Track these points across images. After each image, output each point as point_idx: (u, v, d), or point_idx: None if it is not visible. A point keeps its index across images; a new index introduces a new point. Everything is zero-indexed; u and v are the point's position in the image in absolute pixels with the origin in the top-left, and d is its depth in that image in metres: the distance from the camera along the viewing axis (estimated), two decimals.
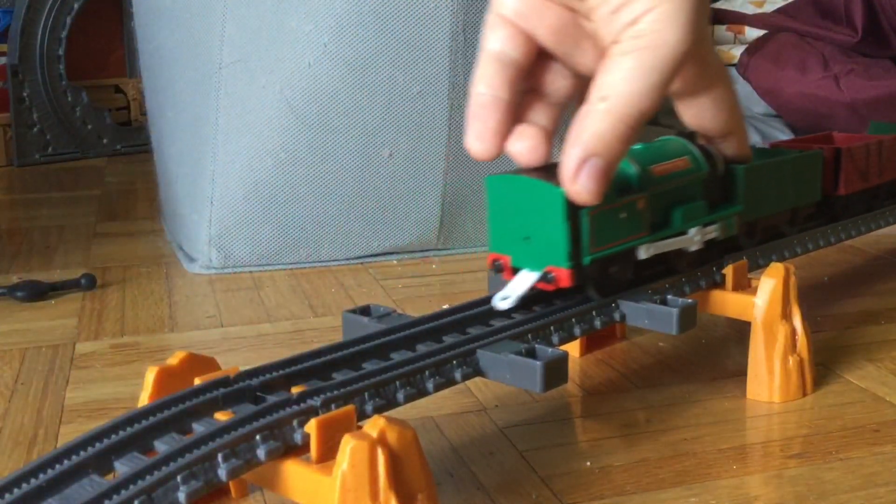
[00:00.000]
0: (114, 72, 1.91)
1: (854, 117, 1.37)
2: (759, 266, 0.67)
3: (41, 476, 0.38)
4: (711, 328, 0.77)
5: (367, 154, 0.96)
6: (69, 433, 0.61)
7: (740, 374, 0.65)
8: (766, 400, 0.63)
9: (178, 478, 0.39)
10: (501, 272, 0.55)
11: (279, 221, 0.97)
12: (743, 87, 1.50)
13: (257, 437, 0.42)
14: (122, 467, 0.40)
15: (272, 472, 0.43)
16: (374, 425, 0.41)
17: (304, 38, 0.92)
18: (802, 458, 0.56)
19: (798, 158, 0.70)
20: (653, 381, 0.67)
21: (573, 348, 0.70)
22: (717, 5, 1.66)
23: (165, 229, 1.15)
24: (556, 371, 0.48)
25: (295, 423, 0.43)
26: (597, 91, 0.47)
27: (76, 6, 1.74)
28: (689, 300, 0.57)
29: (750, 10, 1.62)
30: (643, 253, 0.57)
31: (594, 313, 0.56)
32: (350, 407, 0.44)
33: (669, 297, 0.57)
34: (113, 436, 0.41)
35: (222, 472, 0.40)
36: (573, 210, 0.52)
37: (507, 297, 0.54)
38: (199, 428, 0.42)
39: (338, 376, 0.47)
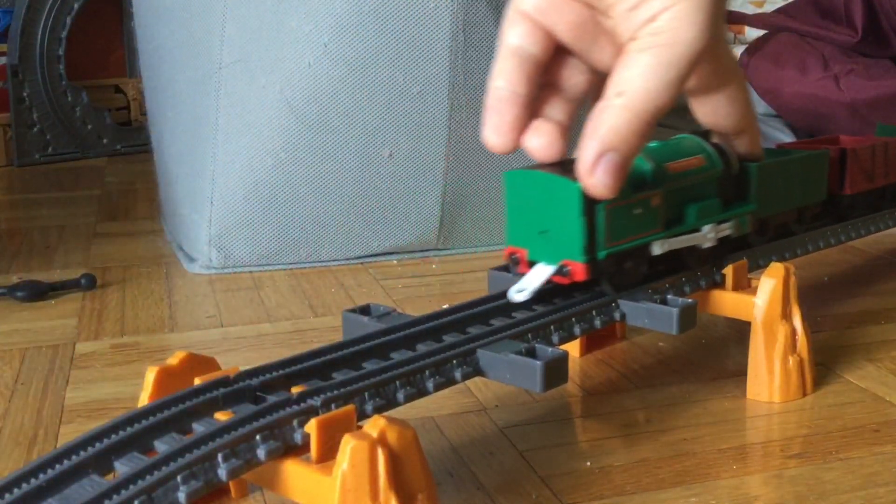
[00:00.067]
0: (114, 72, 1.90)
1: (854, 117, 1.37)
2: (759, 266, 0.67)
3: (41, 476, 0.38)
4: (711, 328, 0.77)
5: (367, 154, 0.96)
6: (69, 433, 0.61)
7: (740, 374, 0.65)
8: (766, 400, 0.63)
9: (178, 478, 0.39)
10: (518, 265, 0.56)
11: (279, 221, 0.97)
12: None
13: (257, 437, 0.42)
14: (122, 467, 0.40)
15: (272, 472, 0.43)
16: (374, 425, 0.41)
17: (304, 38, 0.92)
18: (802, 458, 0.56)
19: (805, 158, 0.71)
20: (653, 381, 0.67)
21: (573, 348, 0.70)
22: None
23: (165, 229, 1.15)
24: (556, 371, 0.48)
25: (295, 422, 0.43)
26: (614, 87, 0.48)
27: (76, 6, 1.74)
28: (689, 300, 0.57)
29: (750, 10, 1.62)
30: (657, 249, 0.58)
31: (594, 313, 0.56)
32: (350, 407, 0.44)
33: (669, 296, 0.57)
34: (113, 436, 0.41)
35: (222, 472, 0.40)
36: (589, 205, 0.52)
37: (522, 289, 0.54)
38: (199, 428, 0.42)
39: (338, 376, 0.47)
